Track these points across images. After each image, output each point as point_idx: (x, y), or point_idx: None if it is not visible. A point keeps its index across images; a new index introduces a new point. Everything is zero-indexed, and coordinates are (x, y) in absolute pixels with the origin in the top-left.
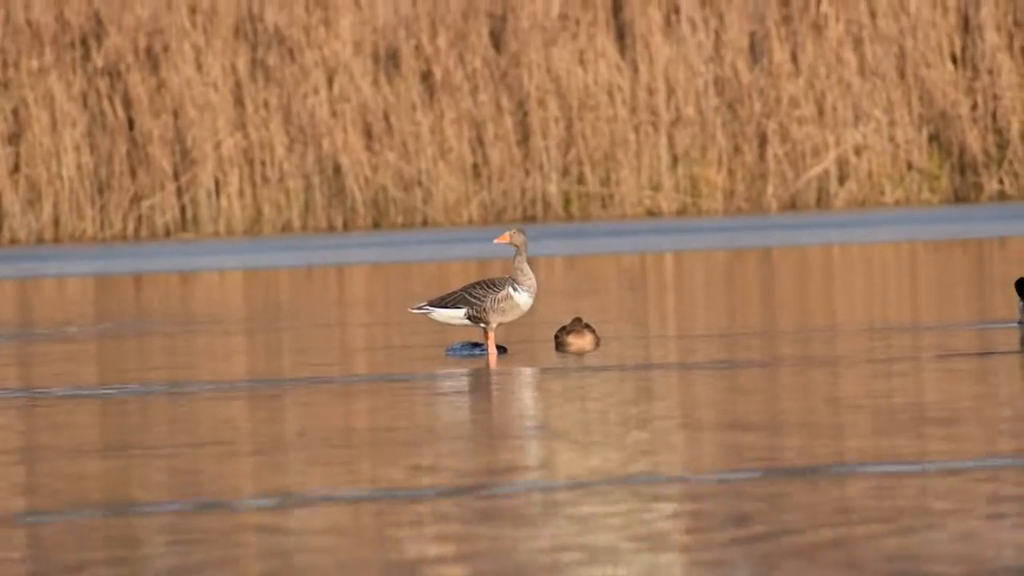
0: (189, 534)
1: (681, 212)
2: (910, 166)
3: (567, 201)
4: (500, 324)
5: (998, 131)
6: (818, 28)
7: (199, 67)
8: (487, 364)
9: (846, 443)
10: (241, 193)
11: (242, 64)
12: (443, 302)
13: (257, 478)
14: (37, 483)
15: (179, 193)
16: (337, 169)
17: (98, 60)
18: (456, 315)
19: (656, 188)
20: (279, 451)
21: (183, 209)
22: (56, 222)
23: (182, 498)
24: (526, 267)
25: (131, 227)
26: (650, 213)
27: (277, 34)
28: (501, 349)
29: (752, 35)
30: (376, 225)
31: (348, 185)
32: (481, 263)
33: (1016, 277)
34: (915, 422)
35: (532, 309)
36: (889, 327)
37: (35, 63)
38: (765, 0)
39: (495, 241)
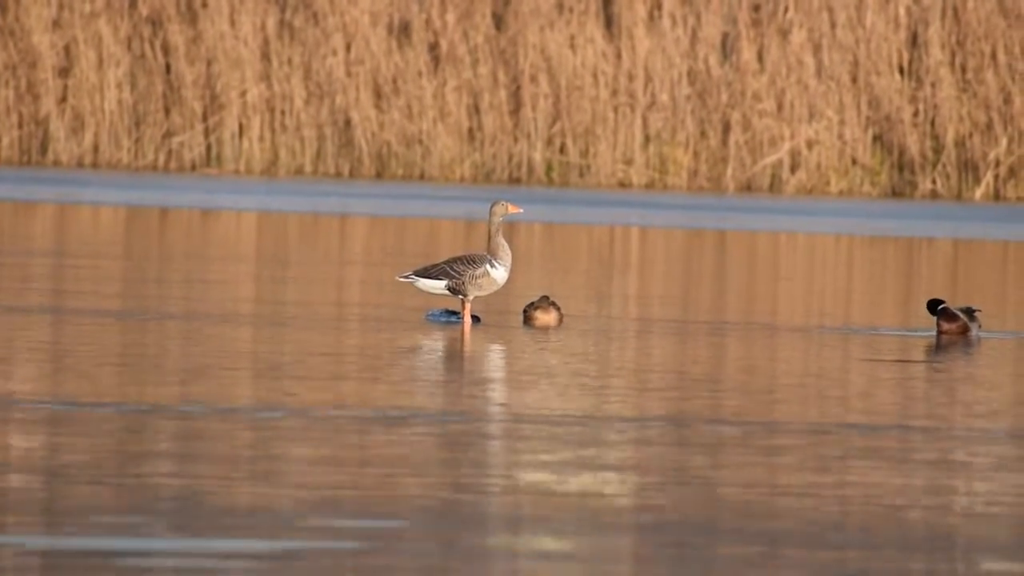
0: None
1: (649, 186)
2: (854, 161)
3: (549, 168)
4: (476, 297)
5: (935, 137)
6: (783, 33)
7: (232, 23)
8: (462, 331)
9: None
10: (261, 137)
11: (271, 24)
12: (427, 273)
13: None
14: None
15: (206, 133)
16: (348, 123)
17: (143, 9)
18: (438, 286)
19: (629, 163)
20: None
21: (209, 147)
22: (96, 149)
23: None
24: (504, 243)
25: (161, 159)
26: (622, 184)
27: (304, 0)
28: (475, 319)
29: (725, 35)
30: (378, 175)
31: (356, 138)
32: (468, 223)
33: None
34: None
35: (508, 281)
36: (810, 327)
37: (87, 7)
38: (738, 4)
39: (511, 210)
